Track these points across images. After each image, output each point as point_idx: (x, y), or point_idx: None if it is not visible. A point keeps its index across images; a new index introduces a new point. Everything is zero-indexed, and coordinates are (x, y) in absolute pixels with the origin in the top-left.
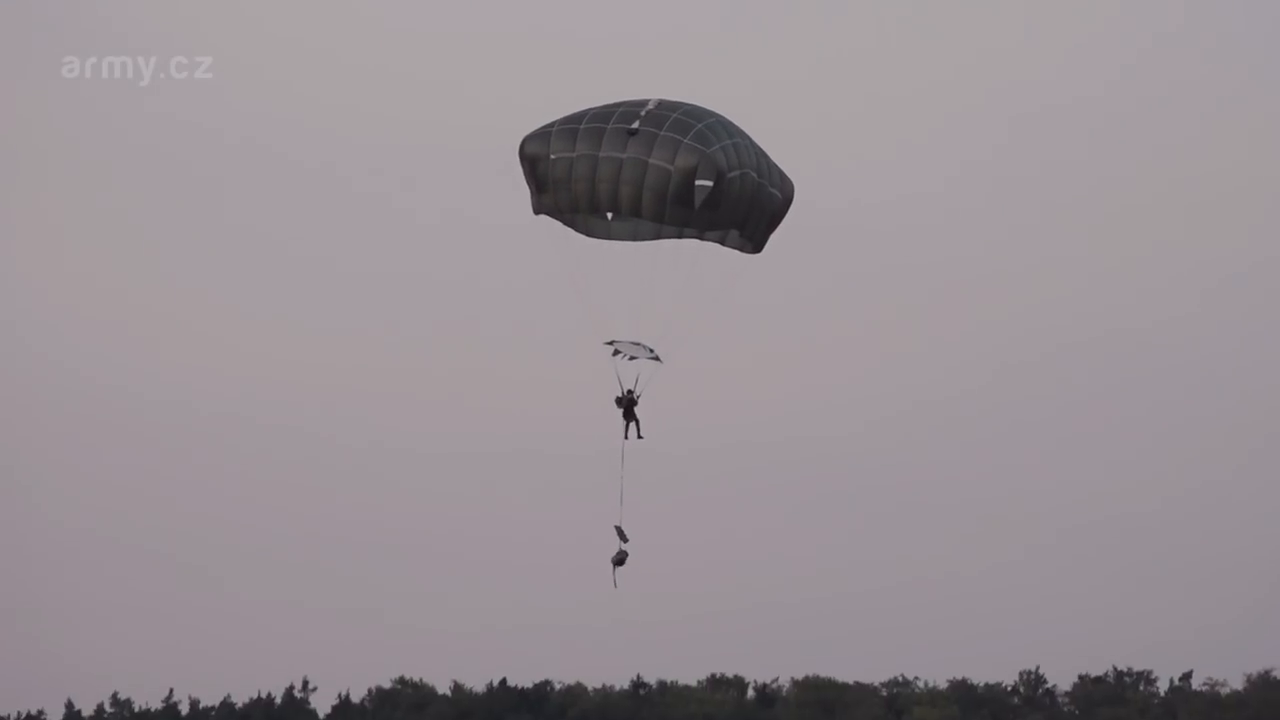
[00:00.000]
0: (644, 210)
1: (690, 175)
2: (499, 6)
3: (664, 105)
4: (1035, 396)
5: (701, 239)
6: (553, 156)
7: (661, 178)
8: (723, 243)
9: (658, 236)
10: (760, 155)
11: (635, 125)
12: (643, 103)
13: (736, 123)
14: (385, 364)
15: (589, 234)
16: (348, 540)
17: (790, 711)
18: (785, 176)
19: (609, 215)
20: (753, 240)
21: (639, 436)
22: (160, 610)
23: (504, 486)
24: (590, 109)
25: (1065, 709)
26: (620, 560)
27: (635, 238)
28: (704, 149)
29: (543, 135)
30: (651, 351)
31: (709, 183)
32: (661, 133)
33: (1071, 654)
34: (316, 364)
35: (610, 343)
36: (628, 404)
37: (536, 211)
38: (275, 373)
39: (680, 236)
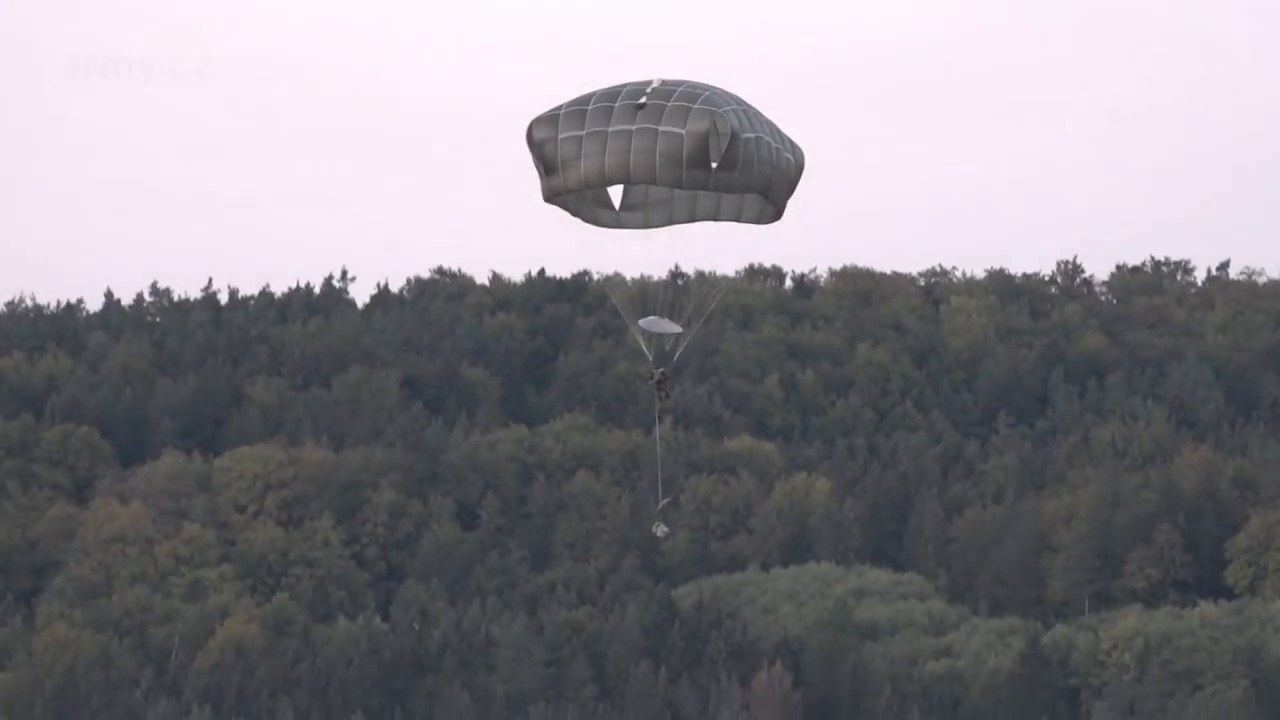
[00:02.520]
0: (659, 177)
1: (703, 137)
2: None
3: (668, 83)
4: None
5: (716, 217)
6: (562, 136)
7: (675, 143)
8: (739, 215)
9: (670, 221)
10: (770, 123)
11: (643, 100)
12: (647, 82)
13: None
14: None
15: (596, 223)
16: (386, 127)
17: (827, 301)
18: (796, 144)
19: (616, 205)
20: (775, 204)
21: (666, 396)
22: (200, 198)
23: (541, 75)
24: (595, 91)
25: (1103, 298)
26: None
27: (646, 225)
28: (716, 110)
29: (550, 118)
30: (676, 325)
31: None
32: (670, 103)
33: (1110, 244)
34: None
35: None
36: (661, 378)
37: (547, 198)
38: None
39: (693, 215)
